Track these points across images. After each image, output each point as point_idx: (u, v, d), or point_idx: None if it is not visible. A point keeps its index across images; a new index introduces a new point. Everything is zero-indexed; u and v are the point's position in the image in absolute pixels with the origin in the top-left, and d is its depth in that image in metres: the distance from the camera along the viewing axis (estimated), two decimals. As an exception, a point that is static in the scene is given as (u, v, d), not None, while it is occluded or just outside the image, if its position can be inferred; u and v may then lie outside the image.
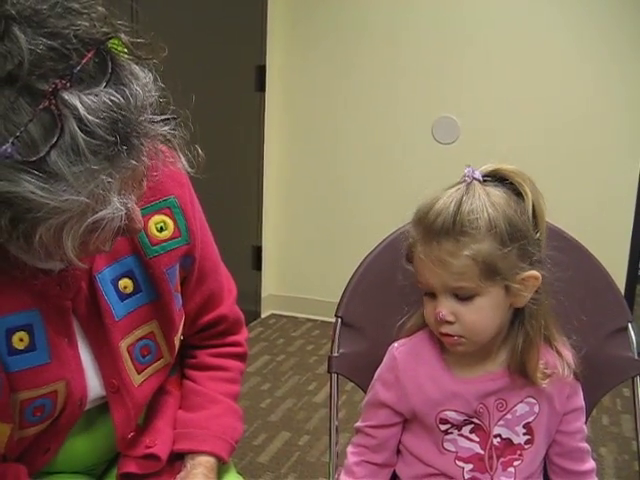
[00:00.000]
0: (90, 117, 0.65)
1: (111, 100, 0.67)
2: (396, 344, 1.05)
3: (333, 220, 3.61)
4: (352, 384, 1.18)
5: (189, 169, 0.82)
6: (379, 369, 1.06)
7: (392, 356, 1.04)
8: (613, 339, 1.15)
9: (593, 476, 1.06)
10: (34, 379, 0.86)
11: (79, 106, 0.65)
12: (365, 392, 1.11)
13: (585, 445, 1.05)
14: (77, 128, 0.65)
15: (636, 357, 1.15)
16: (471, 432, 1.00)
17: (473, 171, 0.94)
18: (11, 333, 0.84)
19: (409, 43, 3.34)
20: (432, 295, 0.95)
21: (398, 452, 1.07)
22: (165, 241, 0.96)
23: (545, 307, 0.98)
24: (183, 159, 0.81)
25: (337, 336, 1.16)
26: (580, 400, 1.04)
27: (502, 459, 1.01)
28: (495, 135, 3.22)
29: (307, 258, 3.70)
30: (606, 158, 3.15)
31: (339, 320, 1.17)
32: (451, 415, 0.99)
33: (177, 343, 1.03)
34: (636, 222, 3.14)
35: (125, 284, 0.95)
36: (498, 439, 1.00)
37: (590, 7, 3.09)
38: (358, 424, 1.08)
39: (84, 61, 0.66)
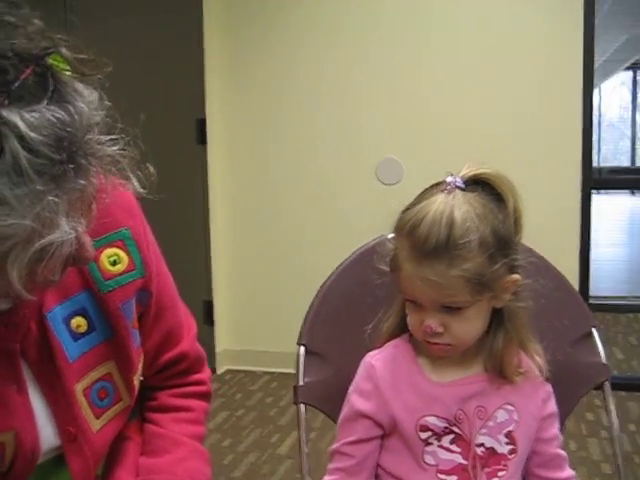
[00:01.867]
0: (33, 134, 0.61)
1: (55, 117, 0.63)
2: (370, 353, 1.03)
3: (283, 270, 3.58)
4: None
5: (141, 190, 0.79)
6: (354, 382, 1.03)
7: (369, 365, 1.01)
8: (579, 345, 1.16)
9: None
10: None
11: (20, 123, 0.61)
12: (334, 421, 1.07)
13: (562, 452, 1.04)
14: (19, 146, 0.61)
15: (604, 362, 1.15)
16: (451, 443, 0.98)
17: (456, 180, 0.94)
18: None
19: (354, 87, 3.40)
20: (417, 304, 0.94)
21: (376, 477, 1.03)
22: (119, 275, 0.92)
23: (525, 306, 0.98)
24: (134, 180, 0.78)
25: (302, 365, 1.13)
26: (554, 405, 1.03)
27: (487, 469, 0.98)
28: (438, 175, 3.25)
29: (259, 311, 3.64)
30: (548, 170, 3.24)
31: (302, 348, 1.14)
32: (431, 421, 0.97)
33: (137, 384, 0.98)
34: (582, 234, 3.24)
35: (78, 323, 0.89)
36: (482, 448, 0.98)
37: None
38: (333, 447, 1.04)
39: (22, 77, 0.63)
